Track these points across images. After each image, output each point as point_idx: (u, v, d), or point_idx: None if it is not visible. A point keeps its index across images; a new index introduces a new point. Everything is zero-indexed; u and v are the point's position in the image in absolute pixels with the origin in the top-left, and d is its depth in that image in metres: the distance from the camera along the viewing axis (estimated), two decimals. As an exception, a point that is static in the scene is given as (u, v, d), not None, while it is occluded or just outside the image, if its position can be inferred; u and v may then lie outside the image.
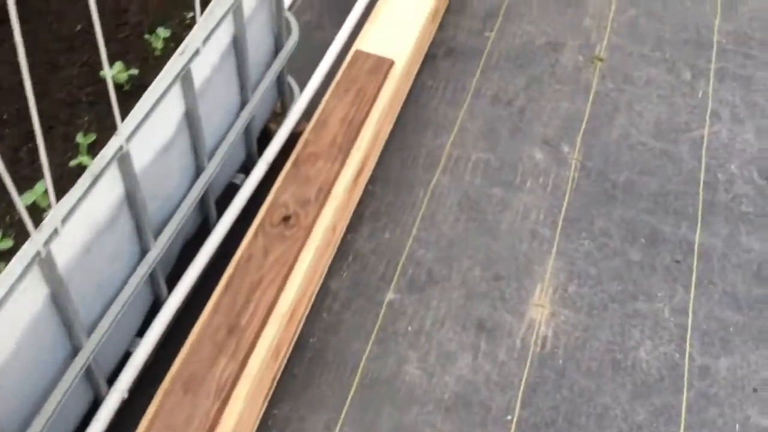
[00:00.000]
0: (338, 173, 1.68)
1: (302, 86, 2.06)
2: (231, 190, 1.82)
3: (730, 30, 2.56)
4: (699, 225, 1.99)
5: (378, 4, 2.19)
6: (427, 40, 2.33)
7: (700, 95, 2.34)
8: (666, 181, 2.10)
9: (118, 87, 1.46)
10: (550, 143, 2.18)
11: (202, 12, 1.37)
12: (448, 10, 2.55)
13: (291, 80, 2.09)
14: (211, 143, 1.63)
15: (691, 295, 1.85)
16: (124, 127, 1.22)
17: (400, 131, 2.17)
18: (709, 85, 2.37)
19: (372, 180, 2.03)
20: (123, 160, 1.24)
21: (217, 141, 1.65)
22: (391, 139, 2.13)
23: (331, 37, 2.25)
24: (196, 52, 1.36)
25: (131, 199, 1.31)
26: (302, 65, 2.18)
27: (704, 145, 2.20)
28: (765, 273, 1.90)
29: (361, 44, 2.04)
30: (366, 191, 2.00)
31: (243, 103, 1.73)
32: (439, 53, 2.42)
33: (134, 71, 1.46)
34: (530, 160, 2.13)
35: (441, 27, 2.49)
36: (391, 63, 1.97)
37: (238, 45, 1.61)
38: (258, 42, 1.76)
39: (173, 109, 1.41)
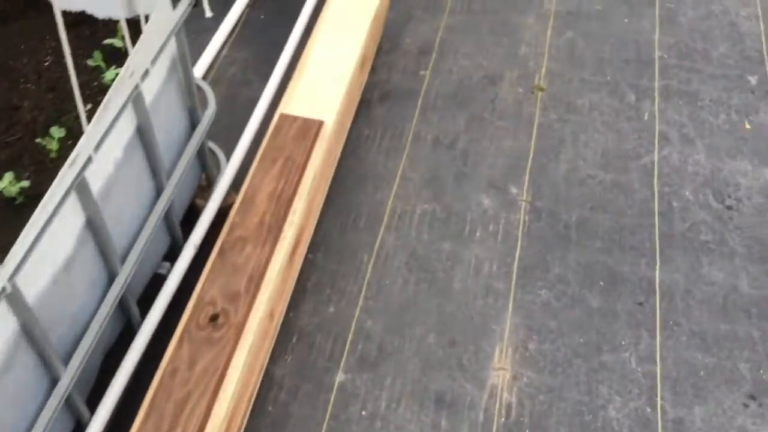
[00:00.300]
0: (269, 257, 1.56)
1: (231, 150, 1.93)
2: (157, 281, 1.68)
3: (671, 44, 2.50)
4: (658, 261, 1.90)
5: (302, 58, 2.08)
6: (358, 90, 2.22)
7: (646, 117, 2.26)
8: (620, 216, 2.01)
9: (10, 201, 1.32)
10: (497, 186, 2.08)
11: (94, 111, 1.25)
12: (379, 51, 2.44)
13: (216, 149, 1.97)
14: (124, 243, 1.49)
15: (657, 340, 1.75)
16: (9, 261, 1.09)
17: (337, 190, 2.05)
18: (655, 105, 2.30)
19: (312, 248, 1.91)
20: (12, 297, 1.10)
21: (132, 239, 1.51)
22: (328, 201, 2.01)
23: (259, 92, 2.14)
24: (89, 160, 1.23)
25: (29, 334, 1.17)
26: (231, 124, 2.06)
27: (655, 171, 2.11)
28: (730, 306, 1.82)
29: (286, 107, 1.92)
30: (306, 261, 1.88)
31: (159, 191, 1.60)
32: (374, 98, 2.31)
33: (25, 183, 1.32)
34: (478, 207, 2.03)
35: (374, 69, 2.38)
36: (320, 124, 1.86)
37: (144, 134, 1.48)
38: (169, 122, 1.63)
39: (71, 221, 1.27)
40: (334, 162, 2.03)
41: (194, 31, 2.39)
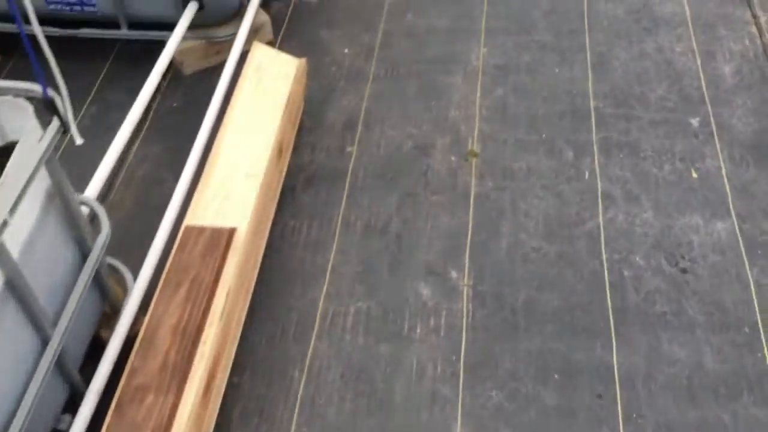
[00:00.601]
0: (175, 407, 1.37)
1: (140, 264, 1.75)
2: (56, 439, 1.49)
3: (606, 91, 2.38)
4: (614, 342, 1.75)
5: (211, 154, 1.91)
6: (278, 180, 2.05)
7: (587, 176, 2.13)
8: (569, 293, 1.86)
9: None
10: (435, 271, 1.92)
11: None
12: (301, 131, 2.29)
13: (121, 267, 1.78)
14: (6, 409, 1.30)
15: (622, 438, 1.60)
16: None
17: (263, 296, 1.87)
18: (595, 162, 2.17)
19: (236, 369, 1.72)
20: None
21: (16, 402, 1.32)
22: (252, 310, 1.83)
23: (173, 192, 1.96)
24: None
25: None
26: (143, 232, 1.86)
27: (602, 237, 1.98)
28: (696, 388, 1.67)
29: (193, 215, 1.74)
30: (230, 386, 1.69)
31: (45, 342, 1.41)
32: (298, 184, 2.15)
33: None
34: (417, 299, 1.86)
35: (296, 151, 2.22)
36: (232, 232, 1.69)
37: (15, 287, 1.29)
38: (51, 261, 1.44)
39: None
40: (254, 266, 1.85)
41: (102, 129, 2.23)
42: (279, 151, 2.01)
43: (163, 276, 1.60)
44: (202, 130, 2.10)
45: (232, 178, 1.83)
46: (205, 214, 1.74)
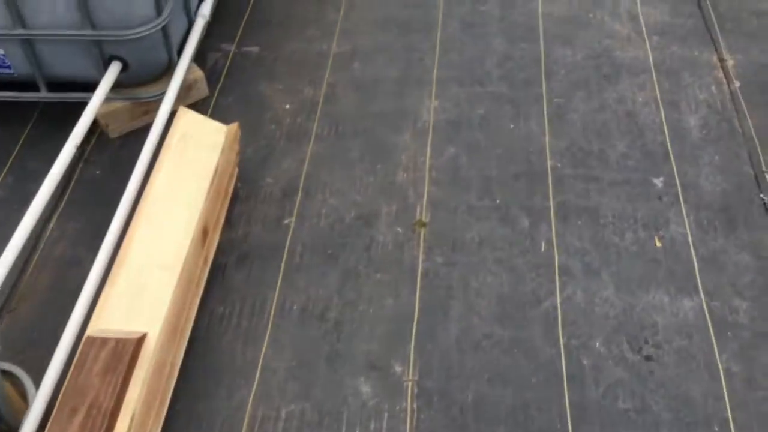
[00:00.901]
0: None
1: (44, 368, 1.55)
2: None
3: (563, 148, 2.22)
4: (572, 447, 1.59)
5: (124, 242, 1.72)
6: (202, 267, 1.86)
7: (543, 247, 1.97)
8: (523, 387, 1.69)
9: None
10: (377, 366, 1.74)
11: None
12: (235, 200, 2.11)
13: (23, 377, 1.59)
14: None
15: None
16: None
17: (184, 398, 1.68)
18: (552, 230, 2.01)
19: (150, 493, 1.53)
20: None
21: None
22: (170, 419, 1.64)
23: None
24: None
25: None
26: (57, 323, 1.66)
27: (559, 319, 1.81)
28: (663, 500, 1.51)
29: (98, 319, 1.55)
30: None
31: None
32: (230, 262, 1.96)
33: None
34: (356, 399, 1.68)
35: (229, 224, 2.04)
36: (140, 341, 1.50)
37: None
38: None
39: None
40: (170, 376, 1.65)
41: (20, 201, 2.04)
42: (203, 233, 1.82)
43: (58, 400, 1.41)
44: (122, 206, 1.91)
45: (146, 271, 1.65)
46: (112, 316, 1.56)
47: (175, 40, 2.30)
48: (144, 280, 1.63)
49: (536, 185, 2.12)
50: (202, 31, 2.44)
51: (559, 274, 1.90)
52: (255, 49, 2.61)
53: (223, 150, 1.95)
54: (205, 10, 2.46)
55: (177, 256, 1.69)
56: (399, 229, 2.03)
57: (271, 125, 2.33)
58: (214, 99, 2.43)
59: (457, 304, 1.85)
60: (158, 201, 1.80)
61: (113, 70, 2.17)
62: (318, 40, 2.64)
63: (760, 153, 2.18)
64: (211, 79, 2.47)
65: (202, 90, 2.41)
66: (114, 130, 2.29)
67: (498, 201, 2.08)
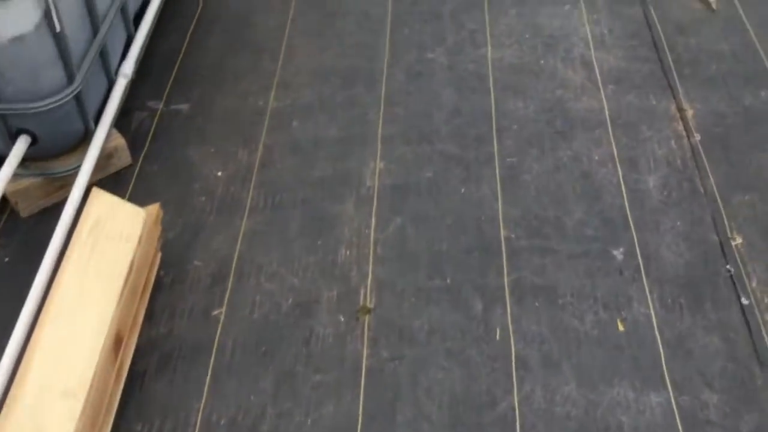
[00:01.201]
0: None
1: None
2: None
3: (518, 216, 2.06)
4: None
5: (23, 363, 1.50)
6: (114, 386, 1.63)
7: (498, 336, 1.80)
8: None
9: None
10: (316, 487, 1.56)
11: None
12: (158, 288, 1.90)
13: None
14: None
15: None
16: None
17: None
18: (507, 315, 1.84)
19: None
20: None
21: None
22: None
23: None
24: None
25: None
26: None
27: (517, 424, 1.64)
28: None
29: (-14, 467, 1.34)
30: None
31: None
32: (150, 368, 1.76)
33: None
34: None
35: (150, 320, 1.83)
36: (34, 492, 1.29)
37: None
38: None
39: None
40: None
41: None
42: (116, 342, 1.62)
43: None
44: (28, 303, 1.69)
45: (46, 399, 1.44)
46: (2, 464, 1.35)
47: (92, 107, 2.08)
48: (42, 412, 1.42)
49: (490, 260, 1.96)
50: (124, 92, 2.23)
51: (516, 368, 1.74)
52: (185, 106, 2.41)
53: (140, 241, 1.75)
54: (128, 68, 2.25)
55: (83, 378, 1.48)
56: (341, 318, 1.85)
57: (201, 197, 2.13)
58: (138, 166, 2.22)
59: (405, 408, 1.67)
60: (63, 309, 1.59)
61: (21, 145, 1.95)
62: (254, 94, 2.45)
63: (724, 216, 2.05)
64: (136, 143, 2.26)
65: (124, 158, 2.19)
66: (25, 209, 2.07)
67: (449, 280, 1.91)
